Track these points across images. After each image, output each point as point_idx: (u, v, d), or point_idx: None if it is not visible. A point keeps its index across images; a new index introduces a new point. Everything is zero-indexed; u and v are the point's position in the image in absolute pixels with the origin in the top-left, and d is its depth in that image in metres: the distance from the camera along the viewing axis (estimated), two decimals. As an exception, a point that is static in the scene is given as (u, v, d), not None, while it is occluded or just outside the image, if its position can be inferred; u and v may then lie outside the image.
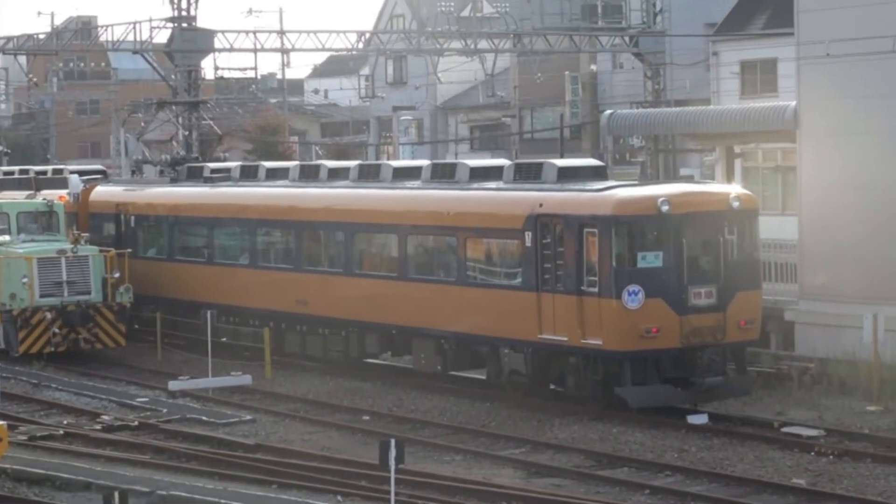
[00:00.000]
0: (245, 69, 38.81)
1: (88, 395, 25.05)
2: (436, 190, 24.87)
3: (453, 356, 24.21)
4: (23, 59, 40.17)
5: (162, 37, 35.38)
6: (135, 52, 36.01)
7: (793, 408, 22.38)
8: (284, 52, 37.06)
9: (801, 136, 26.19)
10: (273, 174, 29.37)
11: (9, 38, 36.83)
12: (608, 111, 33.20)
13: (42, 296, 28.15)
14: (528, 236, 22.32)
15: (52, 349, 28.10)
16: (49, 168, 42.85)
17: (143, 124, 38.50)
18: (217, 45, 35.47)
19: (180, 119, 35.22)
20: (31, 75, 40.79)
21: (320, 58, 76.10)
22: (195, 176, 31.29)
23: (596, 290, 21.37)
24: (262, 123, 56.80)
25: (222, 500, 16.86)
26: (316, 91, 74.79)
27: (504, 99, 52.37)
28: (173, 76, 35.84)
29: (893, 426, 20.94)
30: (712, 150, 32.62)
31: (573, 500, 16.84)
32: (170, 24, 34.87)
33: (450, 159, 48.76)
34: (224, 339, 28.28)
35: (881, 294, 23.99)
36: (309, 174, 28.26)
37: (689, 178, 33.41)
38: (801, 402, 22.82)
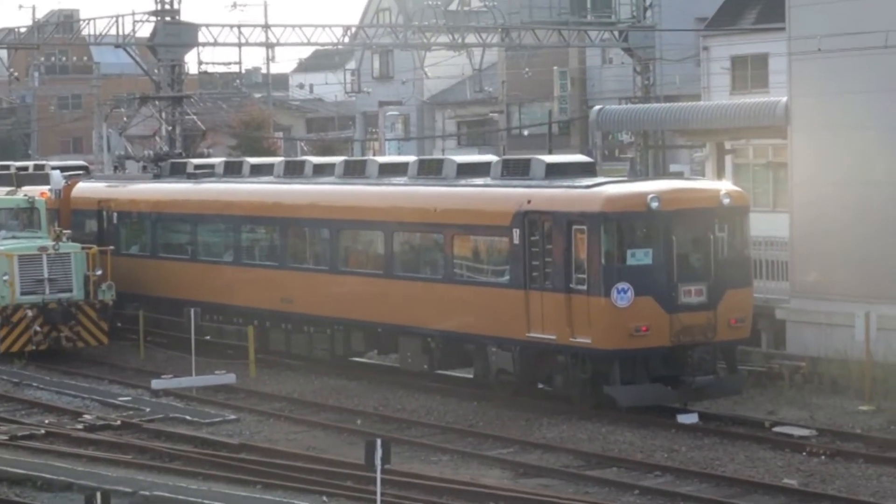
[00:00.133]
0: (229, 64, 38.56)
1: (70, 394, 24.98)
2: (422, 186, 24.79)
3: (440, 355, 24.13)
4: (4, 52, 39.98)
5: (145, 31, 35.49)
6: (117, 47, 35.93)
7: (784, 407, 22.32)
8: (269, 46, 37.02)
9: (792, 133, 26.13)
10: (257, 170, 29.29)
11: (-10, 32, 36.64)
12: (597, 107, 33.16)
13: (23, 293, 28.05)
14: (516, 233, 22.25)
15: (34, 347, 28.03)
16: (30, 164, 42.70)
17: (125, 119, 38.42)
18: (201, 39, 35.37)
19: (163, 114, 35.13)
20: (12, 69, 40.46)
21: (305, 52, 76.14)
22: (178, 172, 31.19)
23: (585, 287, 21.30)
24: (247, 119, 56.69)
25: (206, 501, 16.79)
26: (301, 86, 74.67)
27: (492, 94, 52.22)
28: (156, 71, 35.80)
29: (886, 426, 20.88)
30: (702, 147, 32.58)
31: (561, 501, 16.75)
32: (153, 18, 34.80)
33: (437, 155, 48.67)
34: (208, 338, 28.29)
35: (873, 292, 23.95)
36: (294, 170, 28.18)
37: (679, 175, 33.38)
38: (793, 401, 22.76)
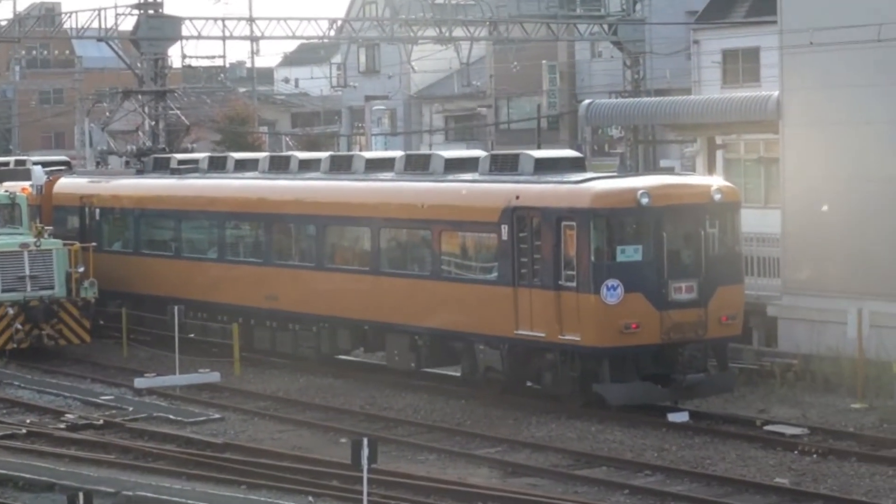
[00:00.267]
0: (213, 57, 38.37)
1: (52, 392, 24.92)
2: (409, 182, 24.72)
3: (427, 353, 24.07)
4: (-16, 47, 39.63)
5: (128, 24, 35.44)
6: (100, 40, 36.04)
7: (776, 405, 22.30)
8: (254, 39, 37.04)
9: (784, 127, 26.07)
10: (242, 166, 29.24)
11: (-31, 26, 36.35)
12: (586, 101, 33.09)
13: (4, 291, 27.96)
14: (505, 229, 22.20)
15: (15, 346, 27.90)
16: (11, 159, 42.44)
17: (108, 114, 38.23)
18: (184, 32, 35.31)
19: (147, 109, 35.07)
20: (-8, 64, 40.14)
21: (291, 46, 75.71)
22: (162, 167, 31.13)
23: (574, 284, 21.24)
24: (231, 113, 56.64)
25: (190, 501, 16.75)
26: (286, 80, 74.42)
27: (480, 88, 52.16)
28: (139, 64, 35.69)
29: (878, 424, 20.85)
30: (693, 142, 32.57)
31: (550, 501, 16.70)
32: (136, 11, 34.74)
33: (424, 150, 48.55)
34: (192, 336, 28.26)
35: (866, 288, 23.92)
36: (279, 166, 28.13)
37: (670, 170, 33.37)
38: (784, 399, 22.74)
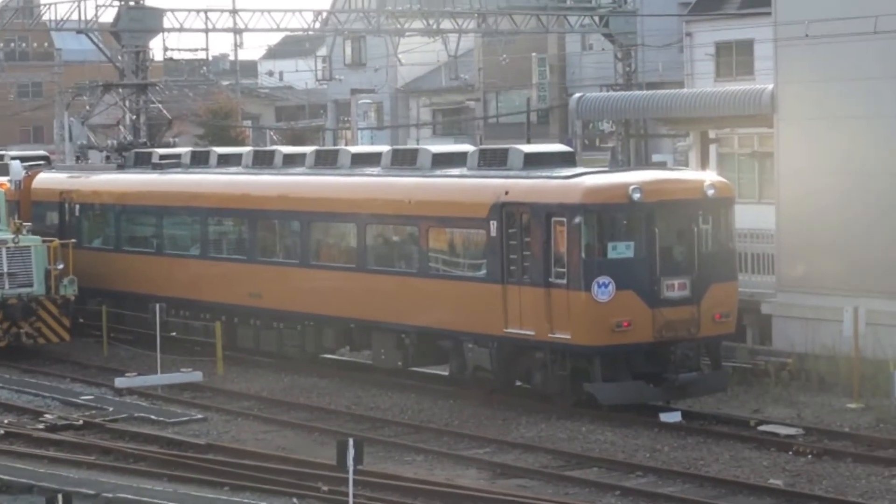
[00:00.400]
0: (196, 50, 38.18)
1: (30, 392, 24.80)
2: (396, 177, 24.60)
3: (415, 351, 23.97)
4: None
5: (108, 16, 35.53)
6: (79, 32, 35.98)
7: (770, 405, 22.25)
8: (237, 32, 37.00)
9: (778, 121, 26.01)
10: (225, 160, 29.13)
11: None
12: (577, 94, 33.05)
13: (-19, 288, 27.93)
14: (493, 226, 22.09)
15: (-8, 344, 27.90)
16: (-11, 154, 41.81)
17: (88, 108, 38.00)
18: (166, 24, 35.24)
19: (127, 102, 34.94)
20: (-31, 56, 39.86)
21: (275, 38, 75.58)
22: (143, 162, 31.00)
23: (564, 281, 21.14)
24: (214, 107, 56.52)
25: (171, 503, 16.69)
26: (270, 73, 74.15)
27: (468, 82, 52.04)
28: (120, 57, 35.67)
29: (874, 424, 20.80)
30: (686, 136, 32.65)
31: (540, 502, 16.63)
32: (116, 3, 34.58)
33: (411, 145, 48.44)
34: (174, 334, 28.27)
35: (862, 286, 23.88)
36: (263, 160, 28.04)
37: (662, 165, 33.47)
38: (779, 398, 22.67)
